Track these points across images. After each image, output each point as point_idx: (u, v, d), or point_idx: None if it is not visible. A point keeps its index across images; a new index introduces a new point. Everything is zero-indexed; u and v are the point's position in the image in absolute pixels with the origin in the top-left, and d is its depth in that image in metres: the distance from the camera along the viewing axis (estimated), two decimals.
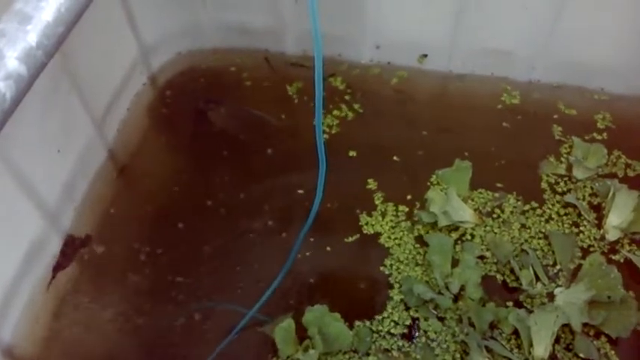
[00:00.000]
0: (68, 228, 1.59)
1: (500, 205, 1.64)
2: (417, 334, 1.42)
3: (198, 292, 1.53)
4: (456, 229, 1.59)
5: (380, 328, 1.43)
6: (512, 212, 1.62)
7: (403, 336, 1.42)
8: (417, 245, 1.57)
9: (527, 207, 1.63)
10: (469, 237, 1.58)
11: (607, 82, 1.87)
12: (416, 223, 1.61)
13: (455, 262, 1.50)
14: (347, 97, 1.91)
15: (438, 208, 1.55)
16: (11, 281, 1.40)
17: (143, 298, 1.52)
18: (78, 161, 1.63)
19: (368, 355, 1.39)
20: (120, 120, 1.85)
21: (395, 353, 1.40)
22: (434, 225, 1.57)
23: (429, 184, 1.68)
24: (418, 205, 1.64)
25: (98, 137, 1.73)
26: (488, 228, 1.59)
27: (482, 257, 1.53)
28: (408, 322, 1.44)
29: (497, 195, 1.66)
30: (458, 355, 1.39)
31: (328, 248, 1.59)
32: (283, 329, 1.36)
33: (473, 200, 1.65)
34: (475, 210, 1.62)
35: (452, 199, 1.56)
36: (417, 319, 1.44)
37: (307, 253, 1.57)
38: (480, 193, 1.66)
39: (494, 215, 1.62)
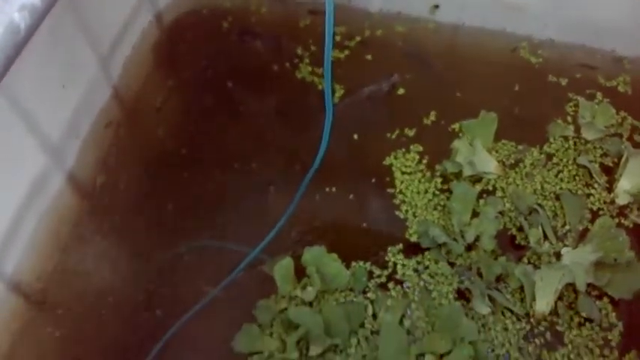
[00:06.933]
0: (72, 165, 1.57)
1: (523, 158, 1.64)
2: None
3: (200, 232, 1.53)
4: (479, 180, 1.59)
5: (385, 267, 1.46)
6: (533, 165, 1.62)
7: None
8: (437, 192, 1.57)
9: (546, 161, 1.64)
10: (491, 188, 1.58)
11: (619, 43, 1.84)
12: (436, 171, 1.61)
13: (474, 215, 1.51)
14: (356, 47, 1.87)
15: (463, 158, 1.55)
16: (15, 216, 1.39)
17: (145, 236, 1.53)
18: (82, 98, 1.59)
19: (365, 292, 1.43)
20: (125, 57, 1.79)
21: (393, 293, 1.43)
22: (458, 175, 1.58)
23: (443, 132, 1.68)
24: (431, 151, 1.64)
25: (103, 75, 1.68)
26: (510, 180, 1.60)
27: (500, 212, 1.53)
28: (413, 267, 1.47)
29: (520, 147, 1.66)
30: (452, 297, 1.42)
31: (334, 189, 1.59)
32: (283, 267, 1.39)
33: (497, 152, 1.65)
34: (499, 161, 1.62)
35: (478, 150, 1.56)
36: None
37: (315, 197, 1.58)
38: (504, 144, 1.66)
39: (517, 168, 1.62)
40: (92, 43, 1.60)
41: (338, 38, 1.88)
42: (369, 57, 1.85)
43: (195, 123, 1.73)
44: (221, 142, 1.69)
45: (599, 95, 1.76)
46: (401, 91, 1.78)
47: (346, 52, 1.86)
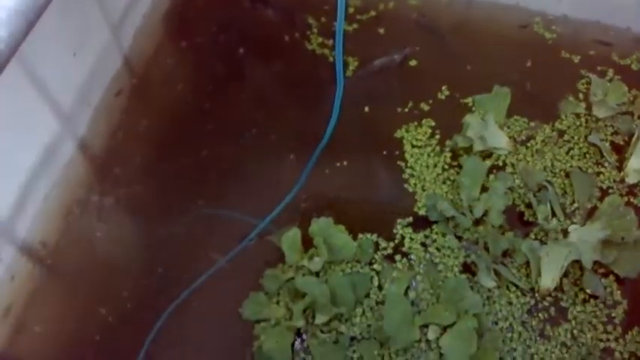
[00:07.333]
0: (83, 132, 1.57)
1: (534, 135, 1.63)
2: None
3: (209, 201, 1.54)
4: (490, 155, 1.59)
5: (392, 239, 1.48)
6: (544, 142, 1.62)
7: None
8: (446, 167, 1.58)
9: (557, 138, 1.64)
10: (501, 164, 1.58)
11: (634, 21, 1.81)
12: (445, 146, 1.61)
13: (483, 190, 1.51)
14: (369, 19, 1.86)
15: (474, 133, 1.55)
16: (27, 182, 1.40)
17: (154, 205, 1.55)
18: (94, 66, 1.59)
19: (371, 264, 1.44)
20: (135, 27, 1.79)
21: (399, 265, 1.44)
22: (468, 149, 1.58)
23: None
24: (442, 125, 1.64)
25: (114, 43, 1.68)
26: (521, 156, 1.60)
27: (510, 188, 1.53)
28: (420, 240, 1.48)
29: (532, 124, 1.65)
30: (457, 270, 1.43)
31: (344, 161, 1.60)
32: (290, 237, 1.41)
33: (508, 127, 1.64)
34: (510, 137, 1.62)
35: (490, 125, 1.56)
36: None
37: (324, 169, 1.59)
38: (516, 120, 1.65)
39: (528, 144, 1.62)
40: (104, 12, 1.60)
41: (351, 10, 1.86)
42: (381, 30, 1.84)
43: (206, 92, 1.73)
44: (231, 112, 1.69)
45: (611, 73, 1.74)
46: (413, 62, 1.77)
47: (359, 24, 1.85)
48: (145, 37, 1.80)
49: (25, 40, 1.11)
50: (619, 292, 1.41)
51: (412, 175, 1.56)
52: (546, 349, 1.34)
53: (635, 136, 1.57)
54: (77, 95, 1.54)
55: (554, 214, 1.49)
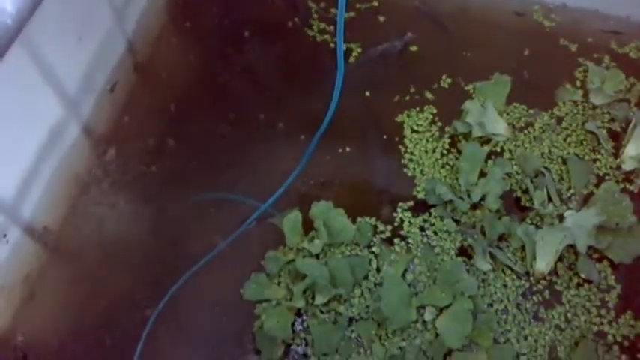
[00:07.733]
0: (87, 115, 1.59)
1: (533, 122, 1.65)
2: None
3: (212, 185, 1.56)
4: (488, 141, 1.61)
5: (390, 223, 1.50)
6: (542, 129, 1.64)
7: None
8: (445, 152, 1.60)
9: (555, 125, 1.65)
10: (499, 150, 1.60)
11: (634, 9, 1.82)
12: (445, 132, 1.63)
13: (481, 175, 1.53)
14: (371, 7, 1.87)
15: (473, 119, 1.57)
16: (32, 165, 1.42)
17: (157, 188, 1.57)
18: (98, 51, 1.61)
19: (370, 246, 1.47)
20: (139, 12, 1.80)
21: (397, 248, 1.47)
22: (467, 135, 1.60)
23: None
24: (441, 111, 1.66)
25: (118, 27, 1.69)
26: (519, 142, 1.61)
27: (507, 174, 1.55)
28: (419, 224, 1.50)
29: (531, 111, 1.67)
30: (453, 253, 1.45)
31: (345, 145, 1.62)
32: (291, 220, 1.44)
33: (507, 114, 1.66)
34: (509, 124, 1.64)
35: (489, 112, 1.57)
36: None
37: (325, 153, 1.61)
38: (515, 107, 1.67)
39: (527, 131, 1.63)
40: None
41: None
42: (382, 17, 1.85)
43: (210, 74, 1.75)
44: (235, 96, 1.71)
45: (608, 60, 1.75)
46: (414, 49, 1.78)
47: (360, 12, 1.85)
48: (148, 21, 1.81)
49: (31, 22, 1.12)
50: (613, 276, 1.43)
51: (411, 160, 1.59)
52: (540, 331, 1.37)
53: (632, 123, 1.59)
54: (82, 79, 1.56)
55: (550, 200, 1.51)
